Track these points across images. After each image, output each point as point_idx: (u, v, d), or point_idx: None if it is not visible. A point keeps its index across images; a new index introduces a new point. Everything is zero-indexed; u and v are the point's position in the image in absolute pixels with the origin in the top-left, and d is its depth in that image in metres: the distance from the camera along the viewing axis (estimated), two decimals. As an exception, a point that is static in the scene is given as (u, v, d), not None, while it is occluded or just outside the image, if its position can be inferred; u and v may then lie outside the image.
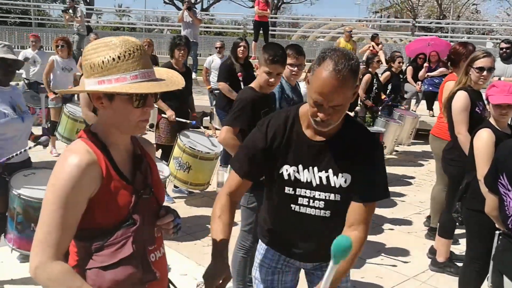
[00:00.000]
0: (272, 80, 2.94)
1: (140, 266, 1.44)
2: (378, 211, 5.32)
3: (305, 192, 1.80)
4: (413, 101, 9.99)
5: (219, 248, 1.69)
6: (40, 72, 7.32)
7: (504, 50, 7.25)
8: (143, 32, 21.10)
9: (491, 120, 2.94)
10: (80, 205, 1.38)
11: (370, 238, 4.56)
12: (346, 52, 1.65)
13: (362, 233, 1.75)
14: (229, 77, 5.72)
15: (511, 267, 1.95)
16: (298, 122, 1.81)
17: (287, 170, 1.80)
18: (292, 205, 1.83)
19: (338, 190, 1.78)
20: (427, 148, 7.36)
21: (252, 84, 3.10)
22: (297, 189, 1.81)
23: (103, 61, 1.37)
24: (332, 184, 1.78)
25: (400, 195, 6.00)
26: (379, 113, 7.11)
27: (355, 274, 3.76)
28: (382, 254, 4.22)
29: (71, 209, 1.36)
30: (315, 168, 1.78)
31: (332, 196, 1.79)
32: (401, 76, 8.40)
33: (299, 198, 1.82)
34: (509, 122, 3.14)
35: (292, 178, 1.80)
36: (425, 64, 9.57)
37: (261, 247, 2.06)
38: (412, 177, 6.90)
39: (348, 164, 1.76)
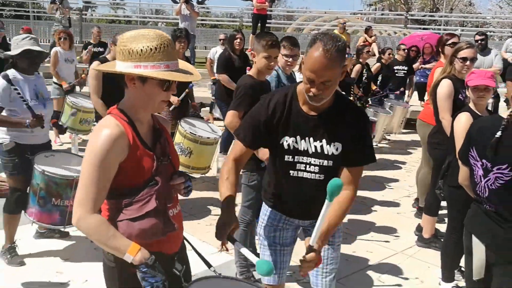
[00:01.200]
0: (272, 63, 3.23)
1: (162, 218, 1.72)
2: (369, 193, 5.64)
3: (303, 159, 2.09)
4: (406, 92, 10.28)
5: (227, 203, 1.98)
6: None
7: (479, 42, 7.50)
8: (137, 25, 21.23)
9: (471, 105, 3.22)
10: (112, 168, 1.65)
11: (361, 217, 4.88)
12: (334, 35, 1.94)
13: (352, 192, 2.08)
14: (227, 68, 5.97)
15: (478, 228, 2.25)
16: (296, 99, 2.09)
17: (287, 141, 2.08)
18: (291, 171, 2.12)
19: (331, 157, 2.07)
20: (418, 137, 7.67)
21: (250, 72, 3.39)
22: (296, 157, 2.10)
23: (141, 49, 1.63)
24: (326, 152, 2.07)
25: (391, 179, 6.32)
26: (369, 103, 7.39)
27: (347, 249, 4.06)
28: (372, 232, 4.53)
29: (105, 172, 1.64)
30: (311, 139, 2.07)
31: (325, 162, 2.08)
32: (405, 68, 8.66)
33: (297, 165, 2.10)
34: (489, 108, 3.43)
35: (292, 147, 2.09)
36: (420, 59, 9.85)
37: (265, 208, 2.36)
38: (403, 164, 7.22)
39: (339, 135, 2.06)
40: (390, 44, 16.09)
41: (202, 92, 9.66)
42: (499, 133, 2.11)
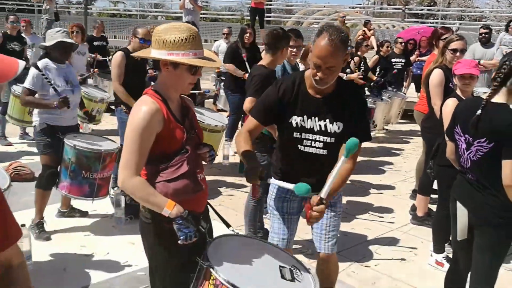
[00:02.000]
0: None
1: (192, 180, 2.05)
2: (367, 177, 5.97)
3: (309, 136, 2.42)
4: (404, 84, 10.60)
5: (249, 155, 2.28)
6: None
7: (483, 35, 7.83)
8: (138, 19, 21.44)
9: (458, 91, 3.54)
10: (151, 138, 1.97)
11: (359, 199, 5.21)
12: (338, 27, 2.28)
13: (351, 164, 2.38)
14: (233, 59, 6.33)
15: (462, 195, 2.57)
16: (304, 83, 2.41)
17: (295, 120, 2.41)
18: (299, 146, 2.45)
19: (333, 134, 2.39)
20: (414, 127, 8.00)
21: (262, 62, 3.71)
22: (303, 134, 2.42)
23: (174, 40, 1.94)
24: (329, 130, 2.39)
25: (388, 165, 6.66)
26: (366, 92, 7.72)
27: (346, 226, 4.39)
28: (370, 212, 4.86)
29: (145, 140, 1.95)
30: (316, 118, 2.39)
31: (328, 139, 2.40)
32: (402, 61, 8.98)
33: (304, 141, 2.43)
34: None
35: (299, 125, 2.41)
36: (416, 52, 10.16)
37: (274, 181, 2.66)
38: (399, 151, 7.55)
39: (341, 115, 2.38)
40: (388, 37, 16.35)
41: (205, 85, 9.93)
42: (479, 111, 2.42)
